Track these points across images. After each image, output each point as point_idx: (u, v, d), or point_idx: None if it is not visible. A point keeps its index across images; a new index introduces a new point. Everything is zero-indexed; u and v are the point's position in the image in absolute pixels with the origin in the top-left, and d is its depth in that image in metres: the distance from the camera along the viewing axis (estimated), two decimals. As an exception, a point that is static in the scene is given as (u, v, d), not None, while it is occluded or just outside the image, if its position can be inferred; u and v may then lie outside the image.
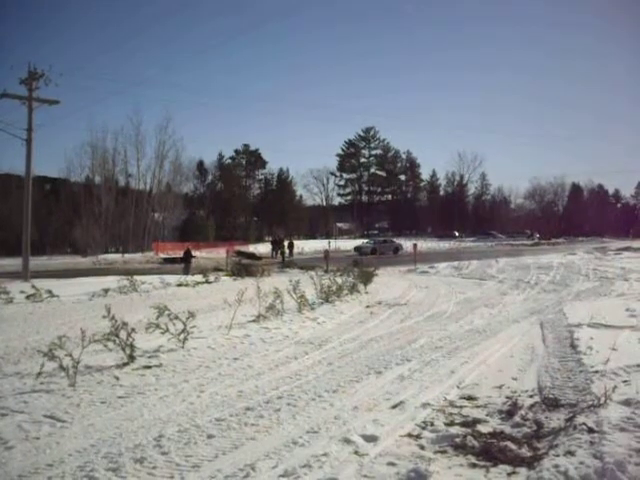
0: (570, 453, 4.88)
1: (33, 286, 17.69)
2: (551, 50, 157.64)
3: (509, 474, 4.74)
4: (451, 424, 6.00)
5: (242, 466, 4.94)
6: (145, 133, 75.87)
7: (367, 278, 19.98)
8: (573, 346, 9.71)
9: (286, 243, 47.91)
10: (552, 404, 6.54)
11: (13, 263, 34.22)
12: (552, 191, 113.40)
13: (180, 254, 37.88)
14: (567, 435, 5.35)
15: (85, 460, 5.14)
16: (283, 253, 44.88)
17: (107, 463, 5.06)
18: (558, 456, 4.87)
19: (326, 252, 33.06)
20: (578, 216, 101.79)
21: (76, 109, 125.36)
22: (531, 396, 7.03)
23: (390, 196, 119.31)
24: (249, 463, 4.99)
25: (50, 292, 17.22)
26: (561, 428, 5.62)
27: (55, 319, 13.43)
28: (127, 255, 54.12)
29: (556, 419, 6.00)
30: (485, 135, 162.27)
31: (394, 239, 64.01)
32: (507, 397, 7.02)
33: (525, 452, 5.18)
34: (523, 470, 4.78)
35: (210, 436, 5.71)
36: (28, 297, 16.89)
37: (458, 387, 7.53)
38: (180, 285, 21.70)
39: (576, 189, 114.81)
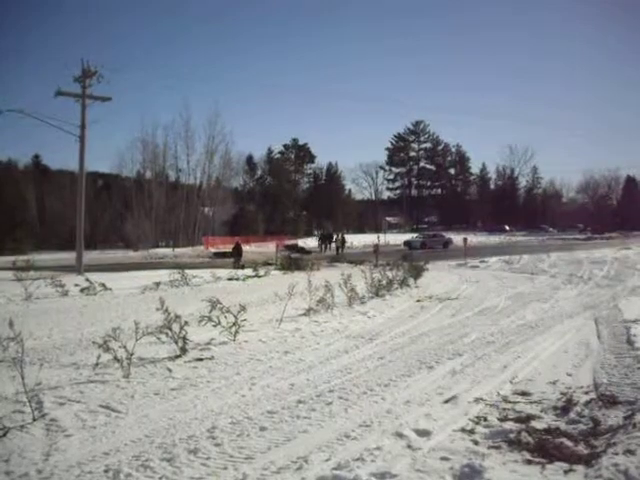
0: (630, 452, 4.73)
1: (87, 279, 18.07)
2: (606, 42, 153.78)
3: (566, 472, 4.62)
4: (505, 419, 5.92)
5: (295, 458, 4.95)
6: (195, 128, 76.62)
7: (417, 272, 19.89)
8: (630, 342, 9.50)
9: (339, 237, 47.42)
10: (609, 401, 6.39)
11: (67, 257, 34.90)
12: (606, 184, 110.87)
13: (230, 248, 38.20)
14: (626, 433, 5.21)
15: (140, 450, 5.22)
16: (338, 247, 44.62)
17: (162, 453, 5.13)
18: (617, 455, 4.73)
19: (376, 246, 32.98)
20: (633, 210, 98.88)
21: (127, 105, 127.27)
22: (587, 393, 6.89)
23: (440, 190, 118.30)
24: (302, 455, 5.00)
25: (103, 285, 17.54)
26: (619, 426, 5.49)
27: (109, 312, 13.69)
28: (177, 249, 54.71)
29: (614, 416, 5.86)
30: (537, 128, 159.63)
31: (444, 233, 63.48)
32: (562, 393, 6.89)
33: (582, 450, 5.07)
34: (581, 468, 4.67)
35: (262, 428, 5.73)
36: (82, 290, 17.24)
37: (511, 382, 7.43)
38: (231, 279, 21.88)
39: (631, 182, 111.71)
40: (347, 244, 48.95)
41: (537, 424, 5.74)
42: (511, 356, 8.85)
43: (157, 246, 59.47)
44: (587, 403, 6.39)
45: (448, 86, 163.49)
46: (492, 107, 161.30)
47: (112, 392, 7.10)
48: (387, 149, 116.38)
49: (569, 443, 5.18)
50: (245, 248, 39.28)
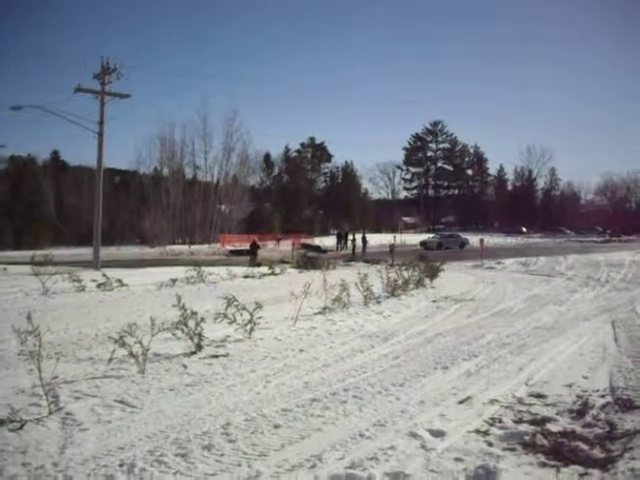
0: (646, 456, 4.72)
1: (104, 275, 18.14)
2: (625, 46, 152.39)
3: (581, 475, 4.60)
4: (520, 422, 5.89)
5: (309, 456, 4.96)
6: (212, 126, 77.02)
7: (433, 272, 19.82)
8: (647, 346, 9.43)
9: (359, 237, 46.78)
10: (626, 405, 6.35)
11: (84, 252, 35.12)
12: (625, 186, 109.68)
13: (246, 246, 38.27)
14: (643, 438, 5.19)
15: (155, 445, 5.25)
16: (354, 247, 44.15)
17: (176, 449, 5.15)
18: (634, 459, 4.70)
19: (392, 246, 32.93)
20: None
21: (145, 102, 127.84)
22: (603, 396, 6.85)
23: (457, 190, 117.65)
24: (316, 454, 5.00)
25: (120, 281, 17.67)
26: (636, 430, 5.44)
27: (125, 307, 13.78)
28: (194, 246, 54.89)
29: (630, 421, 5.82)
30: (556, 129, 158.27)
31: (460, 234, 63.11)
32: (577, 396, 6.86)
33: (597, 453, 5.04)
34: (596, 472, 4.64)
35: (276, 426, 5.75)
36: (99, 286, 17.36)
37: (526, 384, 7.39)
38: (246, 277, 21.96)
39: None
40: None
41: (552, 427, 5.71)
42: (527, 358, 8.81)
43: (174, 243, 59.65)
44: (603, 407, 6.35)
45: (465, 92, 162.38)
46: (510, 111, 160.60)
47: (127, 387, 7.15)
48: (404, 149, 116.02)
49: (585, 446, 5.15)
50: (261, 246, 39.32)
